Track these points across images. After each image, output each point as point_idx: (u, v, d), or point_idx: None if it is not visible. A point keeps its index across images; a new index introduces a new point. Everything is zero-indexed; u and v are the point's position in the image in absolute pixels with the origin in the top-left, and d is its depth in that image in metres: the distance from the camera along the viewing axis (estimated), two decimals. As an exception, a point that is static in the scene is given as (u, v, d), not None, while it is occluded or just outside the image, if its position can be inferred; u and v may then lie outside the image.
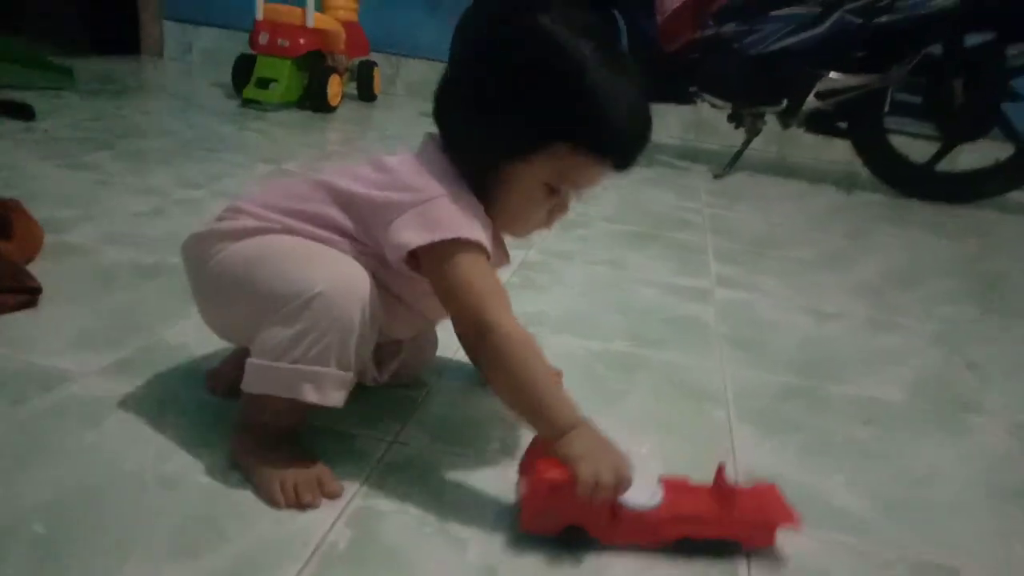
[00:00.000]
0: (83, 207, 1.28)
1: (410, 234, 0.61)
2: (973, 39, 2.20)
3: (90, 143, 1.72)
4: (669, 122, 3.12)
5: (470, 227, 0.61)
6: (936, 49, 2.22)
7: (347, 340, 0.61)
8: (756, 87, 2.34)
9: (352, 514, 0.62)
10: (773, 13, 2.25)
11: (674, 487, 0.62)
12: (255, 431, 0.65)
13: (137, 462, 0.64)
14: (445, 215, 0.61)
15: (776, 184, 2.43)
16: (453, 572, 0.57)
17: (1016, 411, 0.96)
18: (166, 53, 3.48)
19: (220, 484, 0.63)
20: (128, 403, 0.73)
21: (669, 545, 0.60)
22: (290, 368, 0.60)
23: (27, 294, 0.89)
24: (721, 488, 0.61)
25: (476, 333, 0.61)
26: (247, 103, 2.49)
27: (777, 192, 2.29)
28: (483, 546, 0.60)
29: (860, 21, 2.15)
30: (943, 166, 2.38)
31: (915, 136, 2.40)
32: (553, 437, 0.59)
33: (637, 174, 2.26)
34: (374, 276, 0.64)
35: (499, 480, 0.68)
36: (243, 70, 2.57)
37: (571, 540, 0.60)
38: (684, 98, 2.48)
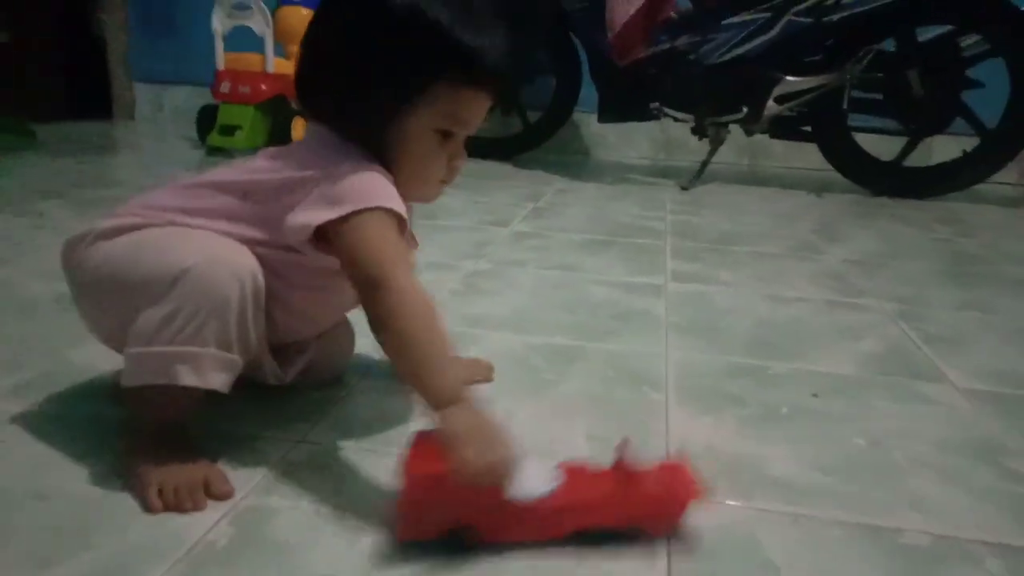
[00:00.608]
0: (17, 248, 1.25)
1: (312, 213, 0.58)
2: (928, 33, 2.21)
3: (40, 194, 1.70)
4: (637, 141, 3.13)
5: (384, 196, 0.59)
6: (890, 45, 2.23)
7: (225, 317, 0.57)
8: (715, 97, 2.34)
9: (239, 513, 0.57)
10: (724, 22, 2.26)
11: (571, 472, 0.55)
12: (141, 430, 0.61)
13: (9, 478, 0.60)
14: (348, 188, 0.58)
15: (745, 191, 2.41)
16: (342, 563, 0.52)
17: (972, 378, 0.91)
18: (138, 114, 3.52)
19: (97, 494, 0.58)
20: (15, 422, 0.68)
21: (567, 536, 0.54)
22: (161, 351, 0.56)
23: (-70, 325, 0.85)
24: (621, 469, 0.55)
25: (369, 288, 0.57)
26: (213, 151, 2.49)
27: (746, 198, 2.27)
28: (378, 536, 0.55)
29: (809, 21, 2.16)
30: (912, 161, 2.37)
31: (883, 133, 2.39)
32: (434, 407, 0.54)
33: (601, 191, 2.25)
34: (269, 268, 0.61)
35: (406, 471, 0.63)
36: (207, 119, 2.58)
37: (456, 543, 0.53)
38: (647, 115, 2.48)
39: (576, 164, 2.86)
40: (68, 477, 0.60)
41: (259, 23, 2.55)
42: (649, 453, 0.69)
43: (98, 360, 0.81)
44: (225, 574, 0.50)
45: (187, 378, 0.57)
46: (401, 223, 0.60)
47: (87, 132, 2.89)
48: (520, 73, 2.62)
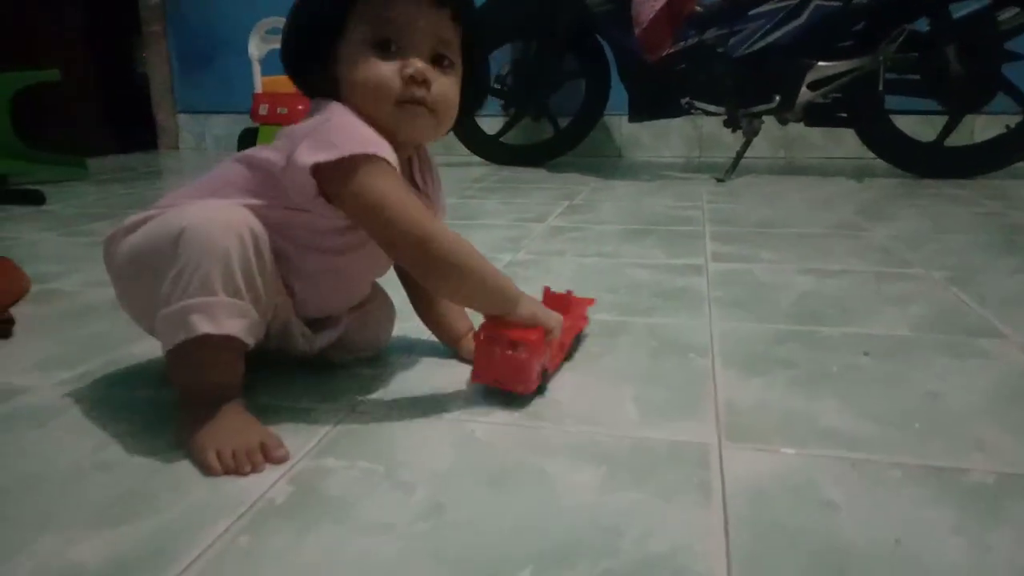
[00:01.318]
0: (74, 263, 1.30)
1: (310, 152, 0.60)
2: (962, 9, 2.17)
3: (92, 216, 1.78)
4: (670, 140, 3.12)
5: (371, 142, 0.61)
6: (924, 24, 2.19)
7: (228, 264, 0.59)
8: (747, 87, 2.33)
9: (296, 473, 0.58)
10: (751, 12, 2.25)
11: (550, 301, 0.83)
12: (191, 402, 0.63)
13: (76, 452, 0.62)
14: (340, 132, 0.61)
15: (783, 181, 2.38)
16: (396, 514, 0.52)
17: (1036, 332, 0.89)
18: (182, 144, 3.64)
19: (159, 463, 0.60)
20: (79, 406, 0.71)
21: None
22: (176, 307, 0.59)
23: (0, 326, 0.90)
24: (552, 300, 0.83)
25: (416, 246, 0.62)
26: (253, 173, 2.56)
27: (784, 187, 2.24)
28: (431, 488, 0.55)
29: (838, 5, 2.13)
30: (954, 140, 2.31)
31: (922, 114, 2.34)
32: (510, 308, 0.68)
33: (637, 187, 2.25)
34: (277, 231, 0.64)
35: (457, 434, 0.64)
36: (247, 141, 2.66)
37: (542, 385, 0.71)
38: (678, 110, 2.48)
39: (610, 165, 2.86)
40: (132, 450, 0.62)
41: (293, 46, 2.61)
42: (697, 413, 0.68)
43: (155, 352, 0.84)
44: (285, 525, 0.51)
45: (203, 326, 0.58)
46: (393, 168, 0.62)
47: (134, 163, 3.00)
48: (546, 75, 2.64)
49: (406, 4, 0.63)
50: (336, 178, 0.61)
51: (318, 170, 0.60)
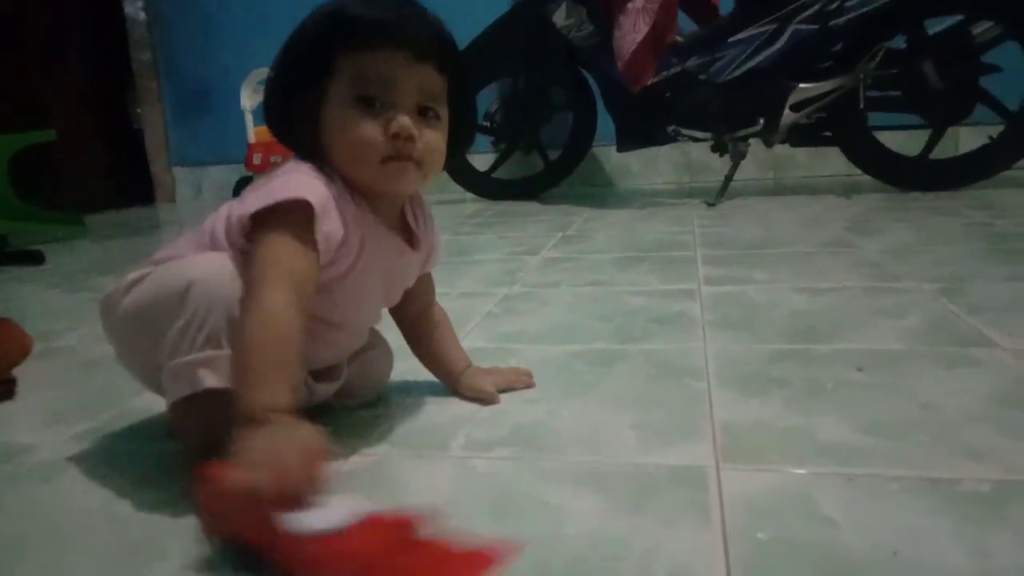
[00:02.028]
0: (76, 318, 1.32)
1: (248, 204, 0.61)
2: (937, 25, 2.22)
3: (93, 272, 1.80)
4: (660, 167, 3.16)
5: (302, 188, 0.60)
6: (900, 40, 2.24)
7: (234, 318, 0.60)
8: (731, 112, 2.37)
9: (300, 519, 0.59)
10: (731, 39, 2.30)
11: (372, 524, 0.49)
12: (197, 455, 0.64)
13: (84, 505, 0.63)
14: (281, 184, 0.61)
15: (772, 201, 2.41)
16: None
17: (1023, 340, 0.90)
18: (179, 196, 3.69)
19: (167, 515, 0.61)
20: (85, 460, 0.72)
21: None
22: (183, 361, 0.60)
23: (2, 386, 0.91)
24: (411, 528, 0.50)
25: (244, 293, 0.59)
26: (249, 221, 2.59)
27: (773, 207, 2.27)
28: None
29: (816, 28, 2.18)
30: (938, 153, 2.35)
31: (905, 129, 2.38)
32: (244, 422, 0.52)
33: (629, 215, 2.27)
34: None
35: (458, 468, 0.65)
36: (242, 190, 2.69)
37: (242, 556, 0.51)
38: (665, 138, 2.52)
39: (602, 195, 2.90)
40: (138, 502, 0.63)
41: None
42: (694, 436, 0.69)
43: (158, 406, 0.85)
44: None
45: (209, 380, 0.59)
46: (309, 213, 0.60)
47: (132, 217, 3.04)
48: (535, 109, 2.69)
49: (388, 61, 0.62)
50: (258, 223, 0.61)
51: (255, 217, 0.61)
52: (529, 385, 0.84)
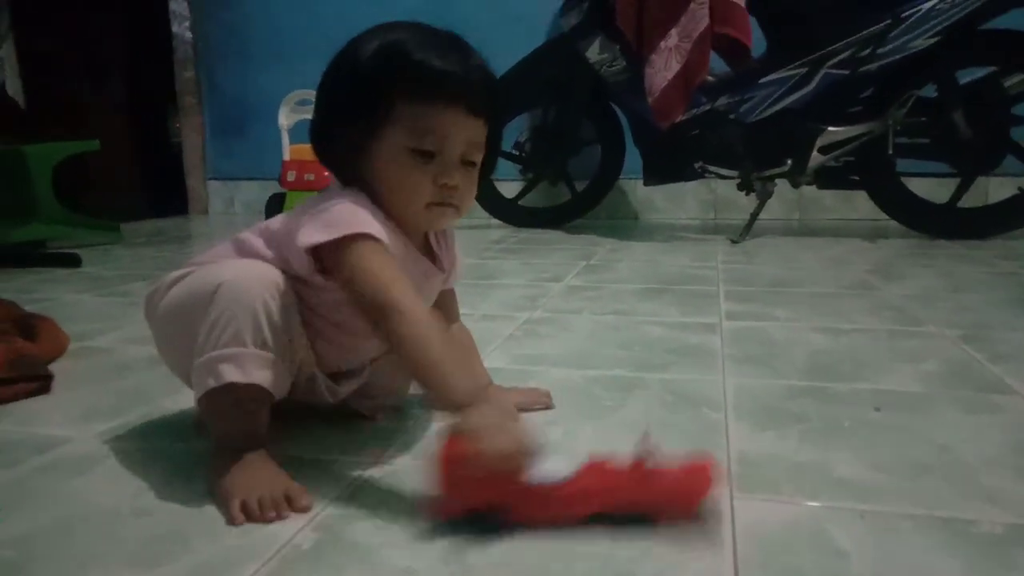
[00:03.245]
0: (111, 321, 1.36)
1: (308, 234, 0.64)
2: (969, 75, 2.23)
3: (128, 277, 1.85)
4: (685, 203, 3.18)
5: (364, 223, 0.64)
6: (931, 89, 2.25)
7: (258, 320, 0.64)
8: (759, 151, 2.39)
9: (321, 521, 0.61)
10: (761, 80, 2.33)
11: (589, 464, 0.59)
12: (222, 451, 0.66)
13: (115, 498, 0.65)
14: (339, 215, 0.64)
15: (797, 242, 2.41)
16: (419, 559, 0.54)
17: (1050, 388, 0.90)
18: (211, 209, 3.77)
19: (194, 509, 0.63)
20: (117, 455, 0.75)
21: (585, 520, 0.57)
22: (209, 357, 0.63)
23: (39, 381, 0.94)
24: (639, 462, 0.58)
25: (378, 315, 0.62)
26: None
27: (797, 247, 2.27)
28: (451, 534, 0.57)
29: (847, 73, 2.20)
30: (967, 202, 2.34)
31: (934, 176, 2.38)
32: (456, 408, 0.59)
33: (652, 248, 2.29)
34: (303, 302, 0.69)
35: (476, 484, 0.67)
36: (275, 206, 2.75)
37: (486, 523, 0.57)
38: (692, 174, 2.54)
39: (626, 228, 2.92)
40: (167, 496, 0.65)
41: (321, 116, 2.74)
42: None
43: (187, 406, 0.88)
44: (311, 570, 0.53)
45: (232, 375, 0.63)
46: (383, 246, 0.64)
47: (165, 227, 3.11)
48: (564, 141, 2.73)
49: (446, 116, 0.65)
50: (329, 256, 0.65)
51: (315, 250, 0.65)
52: (547, 406, 0.85)
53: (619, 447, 0.73)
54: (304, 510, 0.62)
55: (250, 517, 0.60)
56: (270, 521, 0.60)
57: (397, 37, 0.66)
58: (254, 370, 0.64)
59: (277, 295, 0.65)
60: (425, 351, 0.60)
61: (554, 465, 0.58)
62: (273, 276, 0.66)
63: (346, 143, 0.68)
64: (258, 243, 0.71)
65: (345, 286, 0.64)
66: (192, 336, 0.66)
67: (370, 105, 0.66)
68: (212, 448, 0.68)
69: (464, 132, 0.67)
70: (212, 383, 0.64)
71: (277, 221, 0.72)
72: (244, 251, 0.72)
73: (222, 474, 0.64)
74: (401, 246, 0.70)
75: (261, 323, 0.64)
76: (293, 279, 0.68)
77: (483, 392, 0.61)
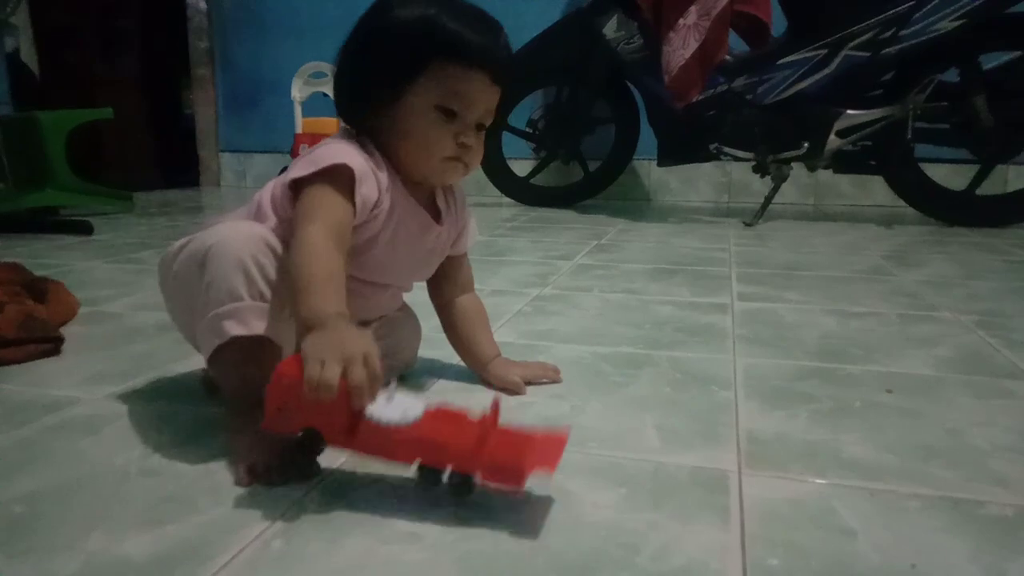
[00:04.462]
0: (121, 288, 1.36)
1: (293, 172, 0.68)
2: (992, 60, 2.19)
3: (138, 246, 1.86)
4: (699, 185, 3.15)
5: (345, 155, 0.67)
6: (954, 73, 2.21)
7: (250, 273, 0.65)
8: (775, 134, 2.36)
9: (328, 485, 0.61)
10: (780, 62, 2.29)
11: (439, 415, 0.57)
12: (237, 411, 0.67)
13: (124, 458, 0.66)
14: (323, 153, 0.67)
15: (811, 226, 2.39)
16: (424, 525, 0.54)
17: (1064, 375, 0.89)
18: (223, 181, 3.77)
19: (200, 471, 0.63)
20: (126, 417, 0.75)
21: (408, 465, 0.56)
22: (211, 315, 0.64)
23: (50, 343, 0.94)
24: (484, 423, 0.57)
25: (290, 245, 0.64)
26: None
27: (811, 232, 2.25)
28: (457, 503, 0.57)
29: (867, 55, 2.17)
30: (985, 189, 2.31)
31: (953, 163, 2.35)
32: (304, 330, 0.58)
33: (664, 229, 2.27)
34: None
35: (483, 454, 0.66)
36: (285, 180, 2.75)
37: (305, 445, 0.58)
38: (707, 156, 2.51)
39: (638, 208, 2.90)
40: (174, 458, 0.66)
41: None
42: (718, 442, 0.70)
43: (197, 372, 0.88)
44: (316, 533, 0.54)
45: (235, 329, 0.64)
46: (350, 175, 0.67)
47: (177, 198, 3.12)
48: (578, 119, 2.70)
49: (473, 82, 0.69)
50: (302, 188, 0.67)
51: (295, 185, 0.68)
52: (555, 380, 0.85)
53: (626, 423, 0.74)
54: (310, 476, 0.62)
55: (257, 479, 0.61)
56: (274, 486, 0.60)
57: (434, 6, 0.69)
58: (255, 321, 0.64)
59: (267, 249, 0.66)
60: (298, 268, 0.61)
61: (395, 404, 0.56)
62: (259, 232, 0.67)
63: (371, 96, 0.70)
64: (267, 201, 0.72)
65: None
66: (192, 301, 0.67)
67: (404, 63, 0.69)
68: (227, 408, 0.69)
69: (485, 99, 0.71)
70: (217, 341, 0.65)
71: (272, 187, 0.74)
72: (255, 212, 0.73)
73: (233, 435, 0.65)
74: (401, 195, 0.73)
75: (254, 276, 0.65)
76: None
77: (338, 320, 0.57)
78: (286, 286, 0.63)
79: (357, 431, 0.56)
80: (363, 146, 0.71)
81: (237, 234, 0.66)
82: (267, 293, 0.65)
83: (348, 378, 0.53)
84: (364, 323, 0.80)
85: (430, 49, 0.68)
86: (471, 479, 0.56)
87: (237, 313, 0.64)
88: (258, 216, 0.72)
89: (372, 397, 0.55)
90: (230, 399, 0.69)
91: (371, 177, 0.69)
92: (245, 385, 0.67)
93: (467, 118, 0.71)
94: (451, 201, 0.81)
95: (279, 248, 0.67)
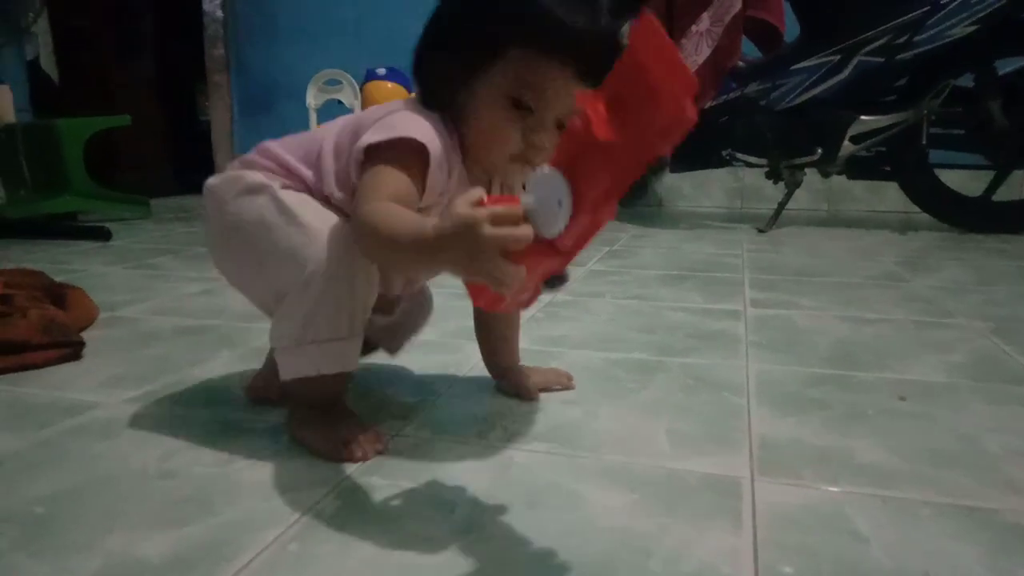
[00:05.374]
0: (139, 293, 1.38)
1: (368, 136, 0.63)
2: (1008, 64, 2.18)
3: (155, 251, 1.88)
4: (712, 191, 3.14)
5: (418, 130, 0.62)
6: (969, 78, 2.20)
7: (355, 311, 0.66)
8: (789, 140, 2.35)
9: (343, 489, 0.61)
10: (793, 67, 2.29)
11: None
12: (304, 407, 0.71)
13: (142, 461, 0.67)
14: (399, 120, 0.64)
15: (825, 232, 2.38)
16: (438, 529, 0.55)
17: (1081, 382, 0.88)
18: (237, 188, 3.80)
19: (217, 474, 0.64)
20: (144, 421, 0.76)
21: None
22: (309, 348, 0.66)
23: (71, 347, 0.96)
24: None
25: (352, 221, 0.61)
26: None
27: (825, 237, 2.24)
28: (470, 506, 0.58)
29: (882, 60, 2.16)
30: (1002, 195, 2.29)
31: (968, 168, 2.33)
32: (435, 238, 0.51)
33: (677, 235, 2.27)
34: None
35: (497, 459, 0.67)
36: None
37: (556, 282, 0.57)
38: (719, 162, 2.51)
39: (650, 214, 2.90)
40: (191, 461, 0.67)
41: (348, 96, 2.75)
42: (730, 447, 0.70)
43: (214, 376, 0.90)
44: (332, 536, 0.54)
45: (330, 367, 0.67)
46: (425, 157, 0.62)
47: (193, 204, 3.14)
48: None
49: (555, 76, 0.61)
50: (372, 155, 0.63)
51: (370, 149, 0.63)
52: (568, 387, 0.85)
53: (639, 428, 0.74)
54: (381, 452, 0.68)
55: (335, 457, 0.66)
56: (355, 460, 0.66)
57: None
58: (350, 358, 0.68)
59: (366, 279, 0.66)
60: (380, 237, 0.56)
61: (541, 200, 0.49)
62: (361, 260, 0.64)
63: (447, 73, 0.64)
64: (328, 154, 0.69)
65: (356, 187, 0.63)
66: (259, 274, 0.69)
67: (481, 41, 0.62)
68: (292, 404, 0.73)
69: (568, 97, 0.61)
70: (311, 372, 0.67)
71: (338, 135, 0.69)
72: (316, 162, 0.69)
73: (306, 425, 0.70)
74: (456, 178, 0.67)
75: (356, 312, 0.66)
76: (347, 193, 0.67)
77: (439, 226, 0.51)
78: (368, 241, 0.59)
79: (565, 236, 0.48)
80: (439, 122, 0.65)
81: (342, 261, 0.64)
82: (360, 325, 0.67)
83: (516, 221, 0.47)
84: (391, 301, 0.80)
85: (509, 28, 0.61)
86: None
87: (335, 352, 0.66)
88: (317, 164, 0.69)
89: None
90: (297, 398, 0.72)
91: (444, 162, 0.64)
92: (317, 395, 0.70)
93: (544, 115, 0.62)
94: (505, 192, 0.74)
95: (372, 269, 0.66)
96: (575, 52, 0.60)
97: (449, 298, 1.06)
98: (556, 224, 0.48)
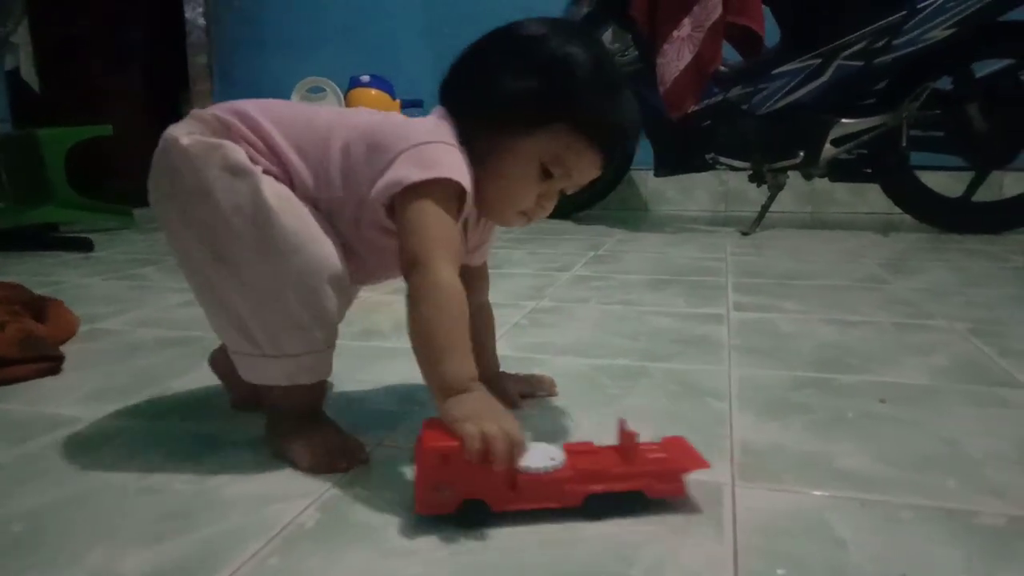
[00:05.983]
0: (121, 304, 1.37)
1: (406, 171, 0.62)
2: (985, 67, 2.21)
3: (138, 262, 1.86)
4: (696, 194, 3.16)
5: (460, 171, 0.63)
6: (947, 81, 2.23)
7: (333, 322, 0.66)
8: (771, 143, 2.37)
9: (325, 501, 0.61)
10: (775, 71, 2.31)
11: (574, 450, 0.60)
12: (281, 417, 0.70)
13: (123, 477, 0.66)
14: (438, 155, 0.63)
15: (808, 235, 2.40)
16: (421, 540, 0.55)
17: (1059, 382, 0.89)
18: (222, 196, 3.78)
19: (198, 488, 0.64)
20: (125, 435, 0.75)
21: (578, 506, 0.57)
22: (285, 359, 0.65)
23: (49, 362, 0.95)
24: (623, 442, 0.60)
25: (410, 266, 0.61)
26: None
27: (808, 240, 2.25)
28: (456, 521, 0.58)
29: (861, 64, 2.18)
30: (981, 196, 2.32)
31: (948, 170, 2.36)
32: (442, 395, 0.58)
33: (661, 239, 2.28)
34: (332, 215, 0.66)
35: (479, 468, 0.67)
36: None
37: (469, 517, 0.56)
38: (703, 165, 2.53)
39: (636, 219, 2.91)
40: (173, 476, 0.66)
41: (332, 104, 2.75)
42: (712, 454, 0.70)
43: (196, 386, 0.89)
44: (314, 548, 0.54)
45: (305, 377, 0.67)
46: (463, 196, 0.63)
47: (177, 213, 3.12)
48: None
49: (587, 160, 0.67)
50: (409, 194, 0.62)
51: (408, 188, 0.62)
52: (551, 393, 0.85)
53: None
54: (364, 461, 0.68)
55: (320, 469, 0.65)
56: (339, 471, 0.66)
57: (576, 57, 0.64)
58: (325, 368, 0.68)
59: (340, 284, 0.65)
60: (433, 322, 0.59)
61: (538, 453, 0.58)
62: (337, 264, 0.64)
63: (484, 119, 0.66)
64: (334, 152, 0.66)
65: (398, 224, 0.63)
66: (226, 259, 0.63)
67: (534, 110, 0.65)
68: (270, 413, 0.71)
69: (590, 177, 0.69)
70: (284, 382, 0.66)
71: (349, 140, 0.66)
72: (314, 154, 0.66)
73: (286, 436, 0.68)
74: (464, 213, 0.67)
75: (333, 322, 0.66)
76: (347, 205, 0.66)
77: (474, 385, 0.59)
78: (417, 324, 0.60)
79: (517, 487, 0.56)
80: (466, 160, 0.65)
81: (321, 270, 0.63)
82: (337, 333, 0.67)
83: (503, 437, 0.54)
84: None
85: (562, 111, 0.64)
86: (641, 493, 0.58)
87: (313, 364, 0.66)
88: (321, 168, 0.65)
89: (520, 454, 0.56)
90: (273, 407, 0.71)
91: (471, 202, 0.65)
92: (294, 405, 0.69)
93: (562, 184, 0.68)
94: (482, 220, 0.76)
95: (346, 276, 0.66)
96: (613, 146, 0.67)
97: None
98: (528, 460, 0.57)
